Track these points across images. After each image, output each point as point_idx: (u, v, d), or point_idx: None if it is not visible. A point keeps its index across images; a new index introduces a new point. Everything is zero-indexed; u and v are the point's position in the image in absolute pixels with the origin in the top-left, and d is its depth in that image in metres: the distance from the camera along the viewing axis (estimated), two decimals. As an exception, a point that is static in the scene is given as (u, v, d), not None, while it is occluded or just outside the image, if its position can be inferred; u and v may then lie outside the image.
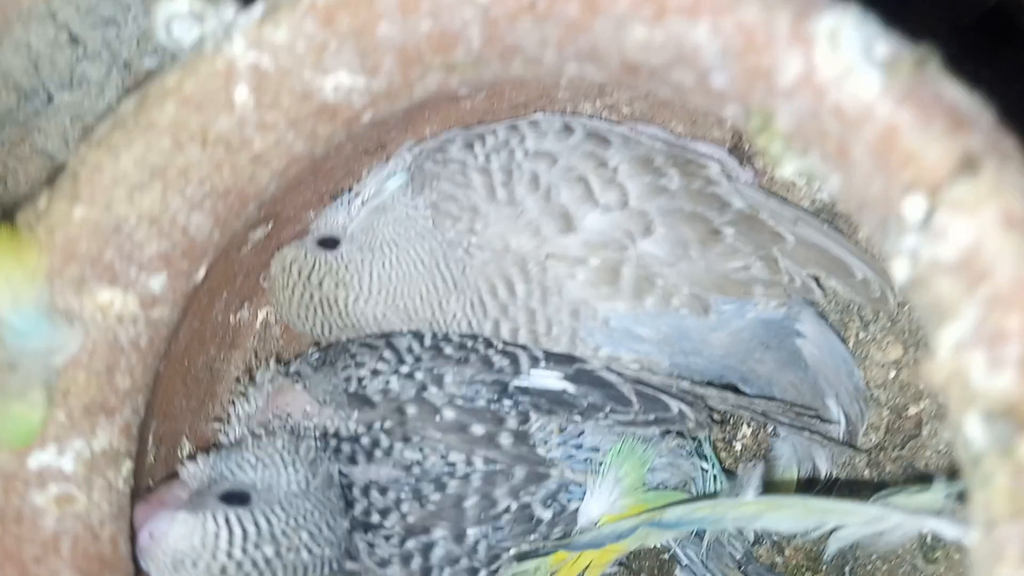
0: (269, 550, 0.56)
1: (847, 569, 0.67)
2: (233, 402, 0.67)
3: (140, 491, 0.57)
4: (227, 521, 0.55)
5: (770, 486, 0.72)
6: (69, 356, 0.45)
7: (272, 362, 0.70)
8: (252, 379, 0.69)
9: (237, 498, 0.58)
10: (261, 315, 0.75)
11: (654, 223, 0.65)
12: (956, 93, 0.33)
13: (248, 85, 0.45)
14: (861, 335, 0.71)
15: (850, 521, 0.47)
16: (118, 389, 0.49)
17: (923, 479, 0.48)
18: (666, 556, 0.75)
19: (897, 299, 0.68)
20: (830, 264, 0.67)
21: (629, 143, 0.67)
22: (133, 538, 0.52)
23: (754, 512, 0.53)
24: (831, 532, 0.49)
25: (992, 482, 0.31)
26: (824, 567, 0.70)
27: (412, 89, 0.48)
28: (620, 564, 0.76)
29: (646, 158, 0.66)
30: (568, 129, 0.68)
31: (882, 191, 0.35)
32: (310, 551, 0.58)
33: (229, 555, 0.55)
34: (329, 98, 0.47)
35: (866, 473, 0.69)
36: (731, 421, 0.75)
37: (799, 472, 0.70)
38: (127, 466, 0.51)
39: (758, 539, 0.70)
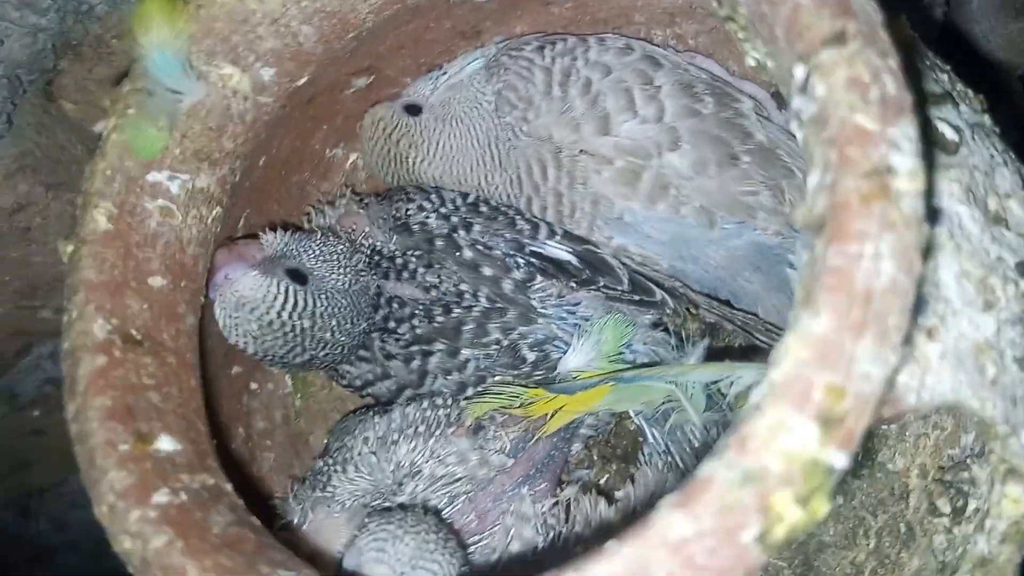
0: (307, 323, 0.71)
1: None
2: (311, 213, 0.83)
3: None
4: (287, 290, 0.71)
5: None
6: (192, 103, 0.61)
7: (350, 191, 0.85)
8: (331, 203, 0.84)
9: (298, 276, 0.73)
10: (352, 158, 0.90)
11: (682, 140, 0.75)
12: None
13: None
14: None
15: (749, 374, 0.57)
16: (223, 148, 0.65)
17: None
18: (641, 439, 0.84)
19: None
20: (829, 206, 0.74)
21: (678, 70, 0.77)
22: (211, 270, 0.68)
23: (687, 370, 0.63)
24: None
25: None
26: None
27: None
28: (604, 442, 0.86)
29: (688, 83, 0.76)
30: (629, 48, 0.78)
31: (788, 64, 0.44)
32: (332, 334, 0.73)
33: (279, 314, 0.70)
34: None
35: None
36: (724, 338, 0.83)
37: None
38: (217, 211, 0.67)
39: (720, 433, 0.78)
